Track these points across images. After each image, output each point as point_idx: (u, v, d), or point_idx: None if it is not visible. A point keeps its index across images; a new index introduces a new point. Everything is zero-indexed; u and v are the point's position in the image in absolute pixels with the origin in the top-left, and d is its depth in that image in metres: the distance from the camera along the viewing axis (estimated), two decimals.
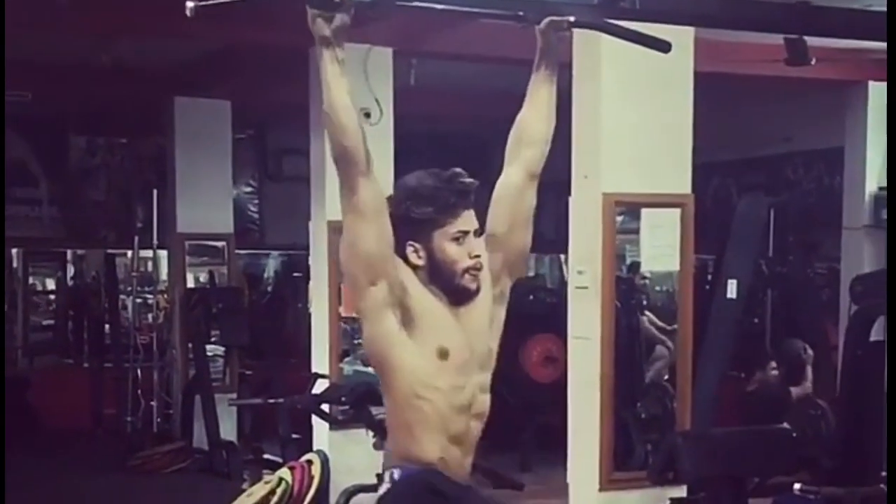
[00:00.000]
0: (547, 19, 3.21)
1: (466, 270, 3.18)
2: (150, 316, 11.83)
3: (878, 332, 6.85)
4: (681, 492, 6.20)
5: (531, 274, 13.05)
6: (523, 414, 9.63)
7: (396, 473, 3.22)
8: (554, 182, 5.98)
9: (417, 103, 9.05)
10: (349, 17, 2.94)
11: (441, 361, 3.15)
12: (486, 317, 3.26)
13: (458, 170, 3.24)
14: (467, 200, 3.20)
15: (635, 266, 6.58)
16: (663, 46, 3.29)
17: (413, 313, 3.14)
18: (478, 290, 3.21)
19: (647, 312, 7.60)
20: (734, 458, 5.84)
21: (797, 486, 5.54)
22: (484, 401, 3.27)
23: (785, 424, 6.56)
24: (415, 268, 3.20)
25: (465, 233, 3.18)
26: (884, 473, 5.64)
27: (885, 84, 8.95)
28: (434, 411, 3.16)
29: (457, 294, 3.20)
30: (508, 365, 10.05)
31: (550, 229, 10.28)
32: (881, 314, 6.78)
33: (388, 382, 3.20)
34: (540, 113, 3.30)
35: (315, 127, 8.08)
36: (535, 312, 9.77)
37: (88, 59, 9.23)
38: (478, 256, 3.19)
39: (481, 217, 3.30)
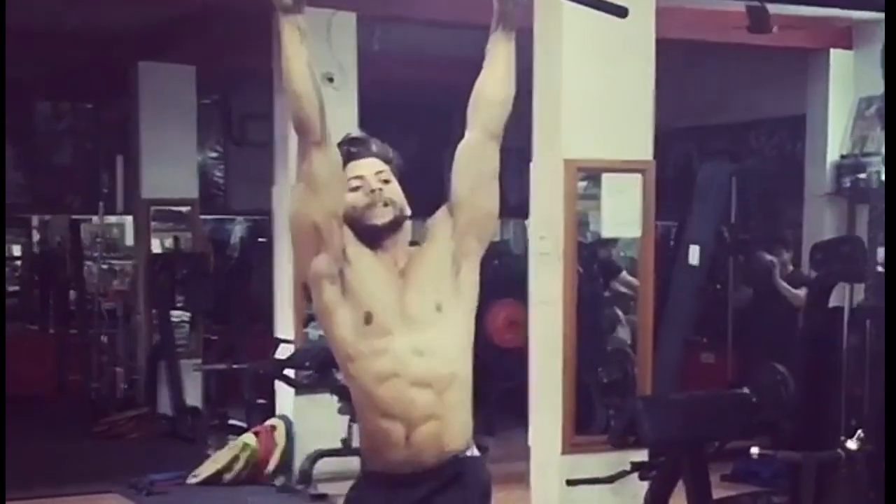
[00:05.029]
0: None
1: (366, 208, 3.15)
2: (115, 282, 11.81)
3: (836, 299, 6.93)
4: (642, 456, 6.26)
5: (496, 239, 13.08)
6: (487, 378, 9.65)
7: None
8: (519, 147, 6.02)
9: (382, 69, 9.05)
10: None
11: (365, 326, 3.08)
12: (431, 273, 3.18)
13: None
14: (356, 153, 3.20)
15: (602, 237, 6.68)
16: (620, 12, 3.29)
17: (351, 284, 3.11)
18: (394, 224, 3.17)
19: (623, 273, 7.67)
20: (693, 423, 5.90)
21: (754, 450, 5.59)
22: (421, 365, 3.08)
23: (745, 389, 6.63)
24: None
25: (360, 177, 3.16)
26: (842, 438, 5.70)
27: (846, 52, 9.04)
28: (358, 385, 3.12)
29: (369, 235, 3.15)
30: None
31: (514, 194, 10.31)
32: (840, 281, 6.86)
33: (339, 363, 3.19)
34: (497, 74, 3.27)
35: (279, 92, 8.07)
36: (500, 277, 9.79)
37: (53, 24, 9.17)
38: (374, 191, 3.15)
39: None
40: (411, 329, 3.10)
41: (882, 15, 7.93)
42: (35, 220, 13.70)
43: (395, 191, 3.21)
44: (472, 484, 3.19)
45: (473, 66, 3.41)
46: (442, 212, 3.28)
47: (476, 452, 3.23)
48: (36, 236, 13.78)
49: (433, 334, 3.13)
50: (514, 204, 9.43)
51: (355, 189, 3.17)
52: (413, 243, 3.28)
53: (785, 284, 8.63)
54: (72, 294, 12.04)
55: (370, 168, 3.20)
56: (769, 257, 8.71)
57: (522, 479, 6.53)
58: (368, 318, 3.08)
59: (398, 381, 3.07)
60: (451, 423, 3.15)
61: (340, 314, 3.11)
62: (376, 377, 3.07)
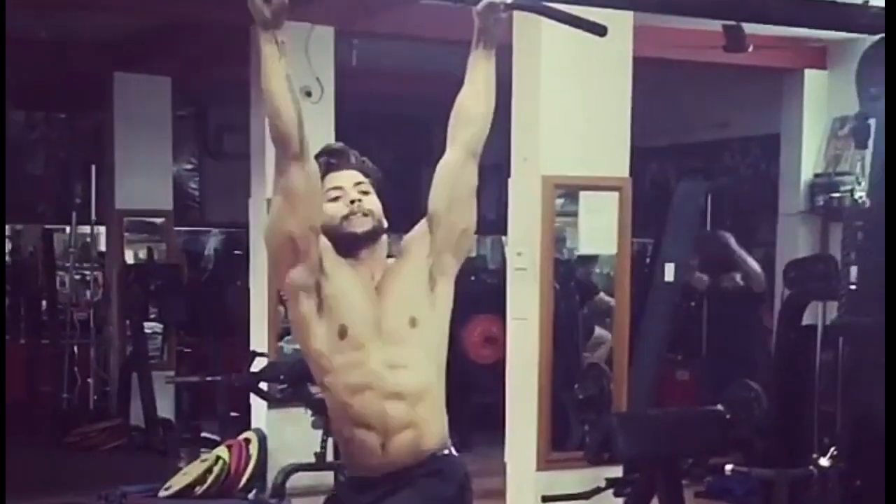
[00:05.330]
0: (484, 1, 3.22)
1: (345, 218, 3.19)
2: (87, 292, 11.75)
3: (809, 317, 6.97)
4: (617, 472, 6.27)
5: (472, 255, 13.09)
6: (463, 393, 9.65)
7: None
8: (497, 164, 6.04)
9: (359, 84, 9.05)
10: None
11: (340, 340, 3.13)
12: (407, 287, 3.23)
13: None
14: (336, 164, 3.24)
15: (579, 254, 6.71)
16: (599, 30, 3.32)
17: (327, 297, 3.14)
18: (373, 234, 3.21)
19: (601, 294, 7.70)
20: (668, 439, 5.92)
21: (728, 467, 5.61)
22: (395, 378, 3.14)
23: (719, 407, 6.66)
24: None
25: (339, 188, 3.21)
26: (815, 455, 5.73)
27: (820, 72, 9.11)
28: (333, 397, 3.18)
29: (347, 245, 3.19)
30: (448, 345, 10.11)
31: (492, 210, 10.33)
32: (813, 299, 6.90)
33: (314, 375, 3.23)
34: (477, 91, 3.30)
35: (256, 104, 8.07)
36: (476, 293, 9.80)
37: (27, 33, 9.13)
38: (353, 202, 3.19)
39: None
40: (386, 343, 3.16)
41: (856, 36, 8.03)
42: (7, 230, 13.60)
43: (373, 202, 3.24)
44: (450, 477, 3.24)
45: (451, 81, 3.42)
46: (420, 227, 3.31)
47: (454, 451, 3.29)
48: (8, 246, 13.69)
49: (407, 349, 3.18)
50: (492, 220, 9.48)
51: (334, 199, 3.20)
52: (391, 257, 3.31)
53: (745, 256, 8.57)
54: (43, 304, 11.96)
55: (349, 179, 3.23)
56: (725, 233, 8.67)
57: (499, 495, 6.52)
58: (343, 332, 3.13)
59: (372, 394, 3.13)
60: (425, 430, 3.21)
61: (316, 327, 3.15)
62: (350, 389, 3.13)
